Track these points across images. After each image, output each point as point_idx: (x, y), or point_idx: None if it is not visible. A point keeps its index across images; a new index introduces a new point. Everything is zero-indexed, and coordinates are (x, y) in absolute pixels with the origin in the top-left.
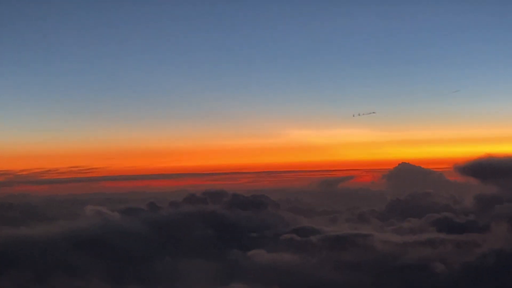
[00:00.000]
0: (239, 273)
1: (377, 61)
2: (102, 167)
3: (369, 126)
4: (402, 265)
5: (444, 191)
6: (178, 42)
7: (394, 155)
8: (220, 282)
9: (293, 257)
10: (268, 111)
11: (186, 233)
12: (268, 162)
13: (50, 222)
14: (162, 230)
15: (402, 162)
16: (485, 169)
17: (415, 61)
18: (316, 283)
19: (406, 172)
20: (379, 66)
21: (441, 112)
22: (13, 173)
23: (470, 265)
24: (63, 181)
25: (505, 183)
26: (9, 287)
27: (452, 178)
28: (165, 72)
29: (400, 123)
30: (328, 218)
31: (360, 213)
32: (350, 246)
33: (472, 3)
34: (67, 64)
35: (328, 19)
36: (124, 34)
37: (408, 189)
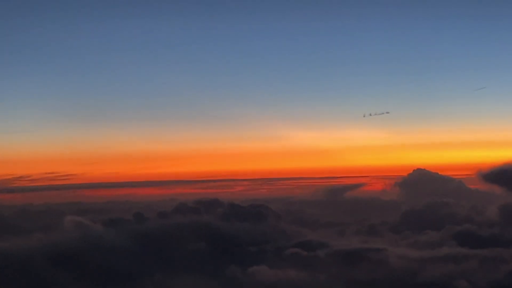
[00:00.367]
0: None
1: (391, 56)
2: (80, 173)
3: (381, 127)
4: (421, 283)
5: (465, 201)
6: (168, 41)
7: (408, 160)
8: None
9: (299, 274)
10: (267, 111)
11: (177, 247)
12: (266, 168)
13: (23, 235)
14: (151, 244)
15: (417, 168)
16: None
17: (434, 56)
18: None
19: (421, 179)
20: (393, 62)
21: (462, 112)
22: None
23: (498, 283)
24: (37, 189)
25: None
26: None
27: (473, 186)
28: (150, 69)
29: (415, 124)
30: (335, 231)
31: (371, 225)
32: (362, 262)
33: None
34: (43, 62)
35: (336, 15)
36: (111, 33)
37: (424, 198)
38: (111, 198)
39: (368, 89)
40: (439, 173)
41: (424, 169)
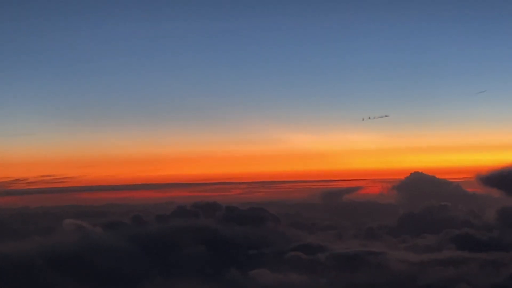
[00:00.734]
0: None
1: (390, 59)
2: (77, 176)
3: (379, 131)
4: (421, 286)
5: (463, 204)
6: (166, 44)
7: (406, 163)
8: None
9: (300, 277)
10: (265, 114)
11: (177, 250)
12: (264, 171)
13: (21, 238)
14: (150, 247)
15: (415, 172)
16: None
17: (433, 60)
18: None
19: (419, 183)
20: (391, 65)
21: (460, 116)
22: None
23: (498, 287)
24: (34, 192)
25: None
26: None
27: (470, 189)
28: (148, 72)
29: (413, 128)
30: (333, 234)
31: (369, 228)
32: (362, 265)
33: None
34: (40, 65)
35: (335, 19)
36: (108, 36)
37: (422, 201)
38: (109, 201)
39: (365, 93)
40: (437, 176)
41: (422, 173)
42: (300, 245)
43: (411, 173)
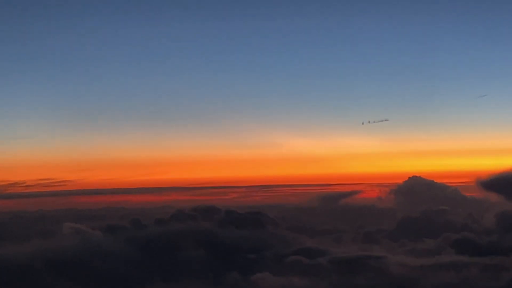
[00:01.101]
0: None
1: (389, 63)
2: (75, 179)
3: (377, 135)
4: None
5: (461, 208)
6: (166, 47)
7: (404, 167)
8: None
9: (303, 281)
10: (263, 118)
11: (177, 253)
12: (261, 174)
13: (19, 241)
14: (150, 251)
15: (413, 176)
16: None
17: (432, 64)
18: None
19: (417, 187)
20: (390, 69)
21: (458, 120)
22: None
23: None
24: (31, 196)
25: None
26: None
27: (468, 193)
28: (146, 76)
29: (411, 132)
30: (332, 238)
31: (367, 232)
32: (363, 269)
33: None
34: (38, 68)
35: (334, 23)
36: (106, 39)
37: (420, 205)
38: (106, 205)
39: (364, 97)
40: (435, 180)
41: (420, 177)
42: (300, 249)
43: (409, 177)
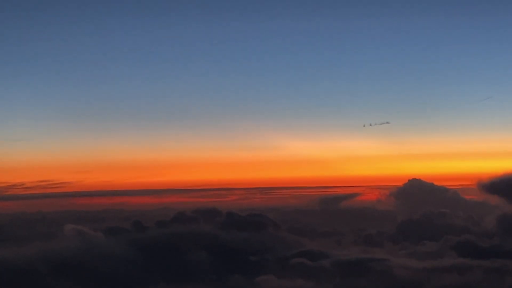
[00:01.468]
0: None
1: (389, 66)
2: (74, 181)
3: (376, 137)
4: None
5: (461, 211)
6: (166, 49)
7: (404, 170)
8: None
9: (307, 284)
10: (263, 120)
11: (180, 256)
12: (261, 177)
13: (21, 243)
14: (153, 253)
15: (412, 178)
16: None
17: (433, 67)
18: None
19: (417, 190)
20: (390, 72)
21: (459, 123)
22: None
23: None
24: (30, 197)
25: None
26: None
27: (468, 196)
28: (146, 78)
29: (412, 134)
30: (332, 240)
31: (367, 234)
32: (366, 272)
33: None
34: (37, 70)
35: (335, 26)
36: (105, 41)
37: (420, 208)
38: (106, 207)
39: (364, 99)
40: (434, 183)
41: (420, 179)
42: (302, 251)
43: (409, 180)
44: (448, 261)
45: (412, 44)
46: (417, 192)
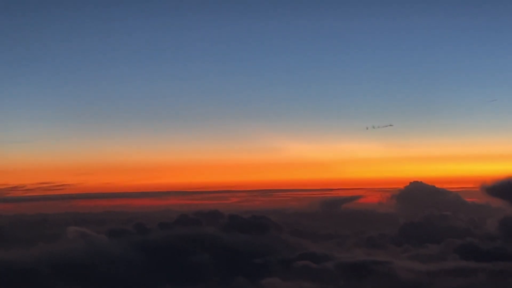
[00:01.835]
0: None
1: (391, 68)
2: (75, 183)
3: (379, 140)
4: None
5: (463, 214)
6: (167, 51)
7: (405, 173)
8: None
9: (312, 286)
10: (265, 122)
11: (183, 258)
12: (263, 179)
13: (22, 245)
14: (156, 255)
15: (414, 181)
16: None
17: (436, 69)
18: None
19: (418, 192)
20: (393, 74)
21: (461, 125)
22: None
23: None
24: (31, 199)
25: None
26: None
27: (470, 199)
28: (147, 80)
29: (414, 137)
30: (335, 243)
31: (369, 237)
32: (370, 274)
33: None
34: (37, 72)
35: (337, 27)
36: (106, 43)
37: (421, 211)
38: (107, 209)
39: (366, 102)
40: (436, 186)
41: (421, 182)
42: (305, 253)
43: (410, 182)
44: (451, 263)
45: (415, 47)
46: (419, 195)
